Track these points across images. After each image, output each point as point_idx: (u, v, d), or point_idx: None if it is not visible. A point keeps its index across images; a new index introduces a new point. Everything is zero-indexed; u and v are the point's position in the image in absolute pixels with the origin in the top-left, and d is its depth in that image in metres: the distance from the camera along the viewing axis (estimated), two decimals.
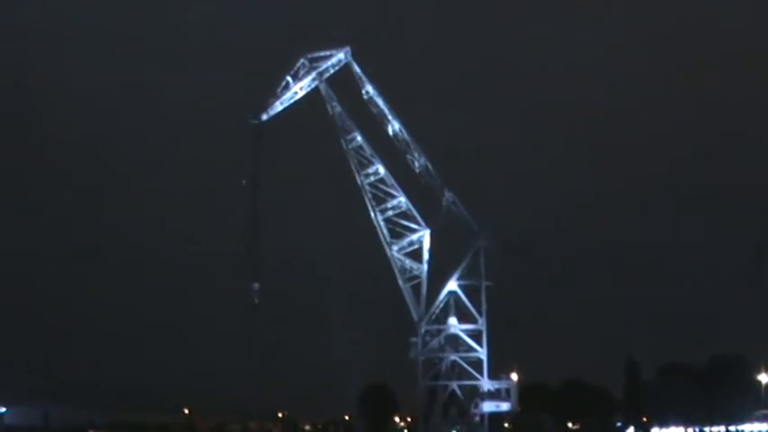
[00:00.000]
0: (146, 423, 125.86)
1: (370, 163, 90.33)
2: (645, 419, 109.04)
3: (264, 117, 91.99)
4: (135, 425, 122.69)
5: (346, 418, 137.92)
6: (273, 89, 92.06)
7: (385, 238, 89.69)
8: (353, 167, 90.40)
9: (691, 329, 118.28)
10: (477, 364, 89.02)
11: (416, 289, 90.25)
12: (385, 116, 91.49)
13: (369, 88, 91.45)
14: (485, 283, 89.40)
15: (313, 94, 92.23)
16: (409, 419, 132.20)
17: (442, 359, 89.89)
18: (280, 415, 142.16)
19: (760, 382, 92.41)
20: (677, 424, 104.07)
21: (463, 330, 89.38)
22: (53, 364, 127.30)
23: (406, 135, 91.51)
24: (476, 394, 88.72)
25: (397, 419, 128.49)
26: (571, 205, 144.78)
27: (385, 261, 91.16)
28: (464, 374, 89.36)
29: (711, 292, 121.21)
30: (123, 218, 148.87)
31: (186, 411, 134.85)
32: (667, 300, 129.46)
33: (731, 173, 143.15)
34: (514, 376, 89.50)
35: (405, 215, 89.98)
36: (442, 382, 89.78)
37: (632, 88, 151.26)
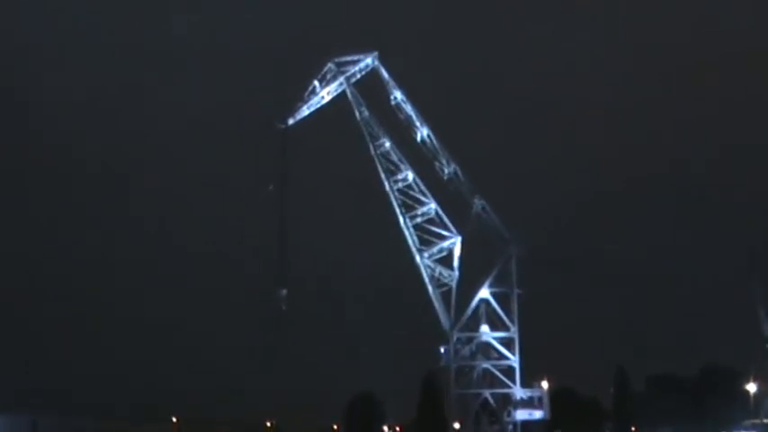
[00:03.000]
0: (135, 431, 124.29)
1: (399, 169, 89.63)
2: (634, 429, 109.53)
3: (291, 121, 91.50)
4: None
5: (335, 427, 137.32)
6: (301, 93, 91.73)
7: (415, 245, 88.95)
8: (382, 173, 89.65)
9: (683, 336, 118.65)
10: (508, 371, 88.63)
11: (445, 296, 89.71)
12: (413, 122, 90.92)
13: (397, 93, 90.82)
14: (516, 291, 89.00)
15: (339, 99, 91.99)
16: (398, 428, 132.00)
17: (473, 367, 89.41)
18: (268, 424, 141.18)
19: (749, 392, 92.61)
20: None
21: (495, 338, 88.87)
22: (43, 368, 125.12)
23: (434, 141, 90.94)
24: (508, 402, 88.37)
25: (385, 429, 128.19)
26: (571, 205, 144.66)
27: (410, 267, 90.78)
28: (496, 382, 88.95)
29: (706, 296, 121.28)
30: (122, 218, 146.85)
31: (174, 420, 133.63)
32: (661, 304, 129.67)
33: (731, 173, 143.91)
34: (545, 384, 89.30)
35: (435, 222, 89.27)
36: (473, 390, 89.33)
37: (632, 88, 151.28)
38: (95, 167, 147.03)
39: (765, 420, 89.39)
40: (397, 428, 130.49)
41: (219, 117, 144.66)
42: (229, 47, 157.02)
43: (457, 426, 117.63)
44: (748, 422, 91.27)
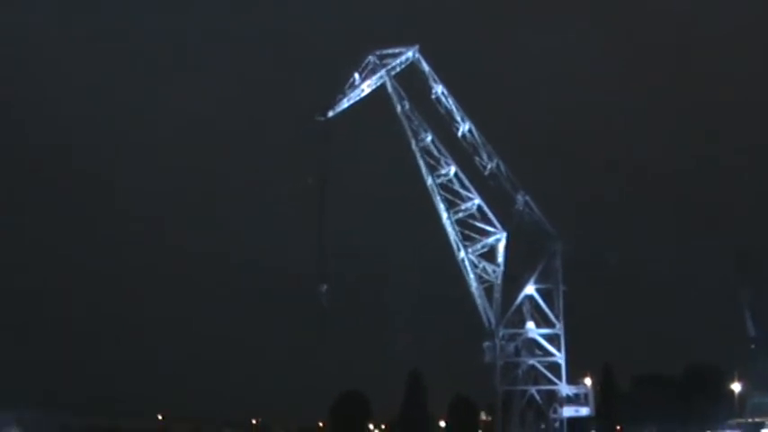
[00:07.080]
0: (121, 428, 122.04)
1: (441, 163, 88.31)
2: (619, 429, 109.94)
3: (331, 114, 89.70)
4: (111, 430, 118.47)
5: (320, 424, 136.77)
6: (341, 86, 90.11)
7: (459, 241, 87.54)
8: (423, 167, 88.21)
9: (668, 336, 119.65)
10: (554, 368, 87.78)
11: (488, 292, 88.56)
12: (453, 116, 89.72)
13: (438, 88, 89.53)
14: (562, 288, 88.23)
15: (379, 92, 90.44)
16: (383, 426, 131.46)
17: (518, 364, 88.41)
18: (254, 422, 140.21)
19: (734, 392, 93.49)
20: None
21: (541, 335, 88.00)
22: (27, 365, 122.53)
23: (476, 136, 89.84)
24: (553, 399, 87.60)
25: (371, 426, 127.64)
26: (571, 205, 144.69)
27: (448, 263, 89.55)
28: (540, 379, 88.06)
29: (692, 296, 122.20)
30: (122, 219, 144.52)
31: (160, 417, 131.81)
32: (647, 304, 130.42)
33: (722, 175, 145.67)
34: (588, 381, 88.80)
35: (479, 217, 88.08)
36: (519, 387, 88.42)
37: (631, 89, 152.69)
38: (95, 168, 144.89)
39: (750, 420, 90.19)
40: (383, 426, 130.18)
41: (220, 116, 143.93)
42: (230, 46, 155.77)
43: (443, 423, 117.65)
44: (733, 421, 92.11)
